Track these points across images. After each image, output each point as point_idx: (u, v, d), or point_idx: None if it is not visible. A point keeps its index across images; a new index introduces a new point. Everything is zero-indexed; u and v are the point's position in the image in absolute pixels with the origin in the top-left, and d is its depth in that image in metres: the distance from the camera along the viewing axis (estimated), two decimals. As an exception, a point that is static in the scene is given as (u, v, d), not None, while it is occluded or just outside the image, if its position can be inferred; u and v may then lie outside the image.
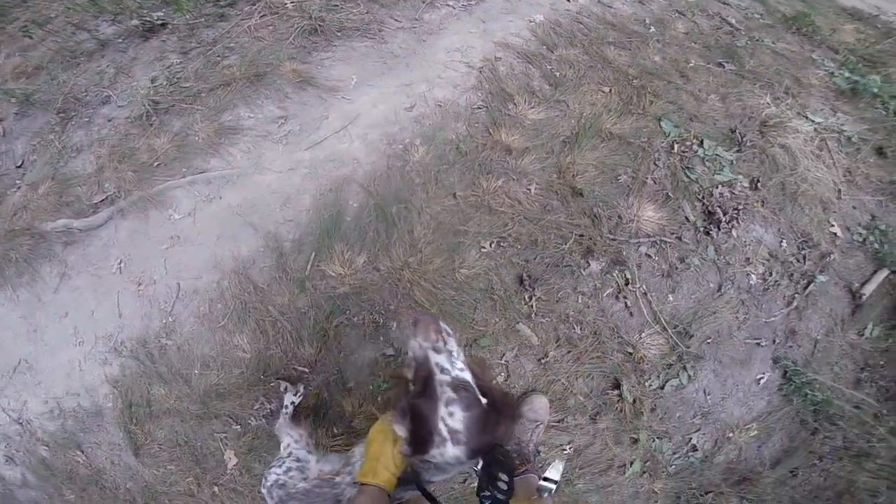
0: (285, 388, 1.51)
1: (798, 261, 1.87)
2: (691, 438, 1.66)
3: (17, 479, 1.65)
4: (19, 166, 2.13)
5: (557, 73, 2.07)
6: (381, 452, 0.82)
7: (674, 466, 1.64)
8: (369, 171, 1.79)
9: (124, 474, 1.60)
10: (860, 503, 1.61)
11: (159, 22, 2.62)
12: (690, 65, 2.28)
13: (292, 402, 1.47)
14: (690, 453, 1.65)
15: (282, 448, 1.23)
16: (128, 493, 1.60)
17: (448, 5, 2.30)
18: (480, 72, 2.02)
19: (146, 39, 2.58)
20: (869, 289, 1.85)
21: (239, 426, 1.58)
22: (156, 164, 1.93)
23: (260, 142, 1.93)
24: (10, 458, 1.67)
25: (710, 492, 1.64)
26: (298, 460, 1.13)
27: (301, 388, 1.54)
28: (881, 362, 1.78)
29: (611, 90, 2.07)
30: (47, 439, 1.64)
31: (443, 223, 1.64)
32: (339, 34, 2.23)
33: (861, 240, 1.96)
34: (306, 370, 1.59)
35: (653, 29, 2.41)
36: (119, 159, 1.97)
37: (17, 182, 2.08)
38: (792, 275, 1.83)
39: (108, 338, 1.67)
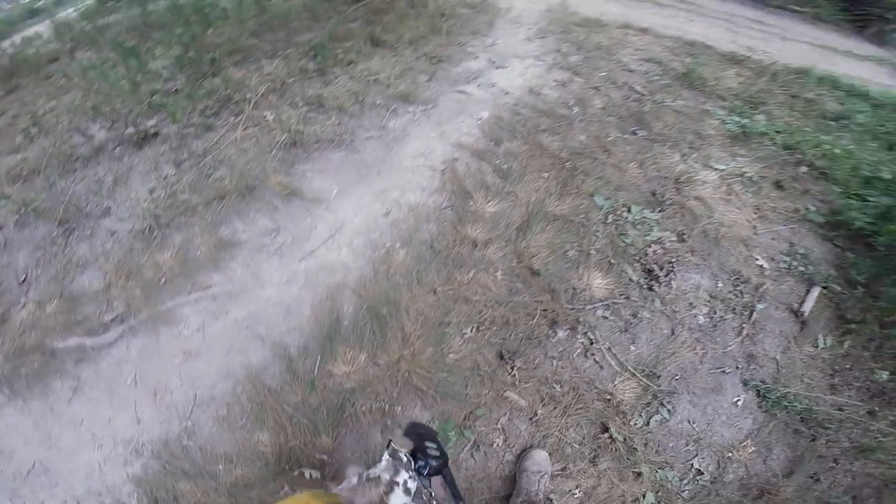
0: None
1: (736, 296, 2.00)
2: (693, 464, 1.70)
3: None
4: (23, 282, 2.15)
5: (505, 166, 2.38)
6: None
7: (686, 492, 1.67)
8: (358, 277, 1.99)
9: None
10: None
11: (152, 131, 2.76)
12: (609, 138, 2.64)
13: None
14: (697, 477, 1.69)
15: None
16: None
17: (408, 112, 2.59)
18: (443, 173, 2.30)
19: (140, 148, 2.71)
20: (808, 306, 1.93)
21: None
22: (162, 280, 2.06)
23: (257, 255, 2.12)
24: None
25: None
26: None
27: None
28: (847, 366, 1.86)
29: (549, 175, 2.40)
30: None
31: (428, 317, 1.86)
32: (315, 146, 2.47)
33: (787, 266, 2.07)
34: (325, 457, 1.76)
35: (576, 109, 2.78)
36: (126, 276, 2.08)
37: (23, 299, 2.10)
38: (734, 308, 1.95)
39: (128, 441, 1.75)
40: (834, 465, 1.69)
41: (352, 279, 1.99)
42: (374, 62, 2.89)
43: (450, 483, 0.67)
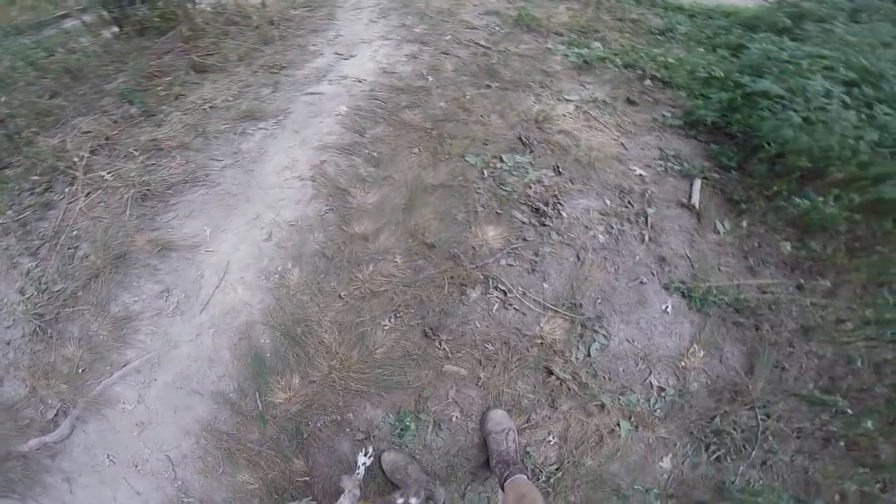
0: (364, 451, 1.73)
1: (626, 207, 2.05)
2: (651, 382, 1.70)
3: None
4: None
5: (375, 154, 2.41)
6: None
7: (658, 410, 1.67)
8: (262, 309, 2.01)
9: None
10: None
11: None
12: (467, 97, 2.73)
13: (364, 463, 1.69)
14: (662, 394, 1.69)
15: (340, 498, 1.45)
16: None
17: (259, 129, 2.49)
18: (313, 180, 2.29)
19: None
20: (696, 198, 2.01)
21: None
22: (80, 370, 1.98)
23: (158, 320, 2.06)
24: None
25: (714, 416, 1.66)
26: None
27: (371, 450, 1.73)
28: (755, 244, 1.89)
29: (419, 149, 2.47)
30: None
31: (343, 323, 1.94)
32: (170, 192, 2.34)
33: (663, 169, 2.14)
34: (307, 478, 1.83)
35: (430, 78, 2.82)
36: (44, 376, 1.99)
37: None
38: (629, 219, 2.00)
39: None
40: (791, 349, 1.67)
41: (257, 313, 2.01)
42: (205, 89, 2.70)
43: None
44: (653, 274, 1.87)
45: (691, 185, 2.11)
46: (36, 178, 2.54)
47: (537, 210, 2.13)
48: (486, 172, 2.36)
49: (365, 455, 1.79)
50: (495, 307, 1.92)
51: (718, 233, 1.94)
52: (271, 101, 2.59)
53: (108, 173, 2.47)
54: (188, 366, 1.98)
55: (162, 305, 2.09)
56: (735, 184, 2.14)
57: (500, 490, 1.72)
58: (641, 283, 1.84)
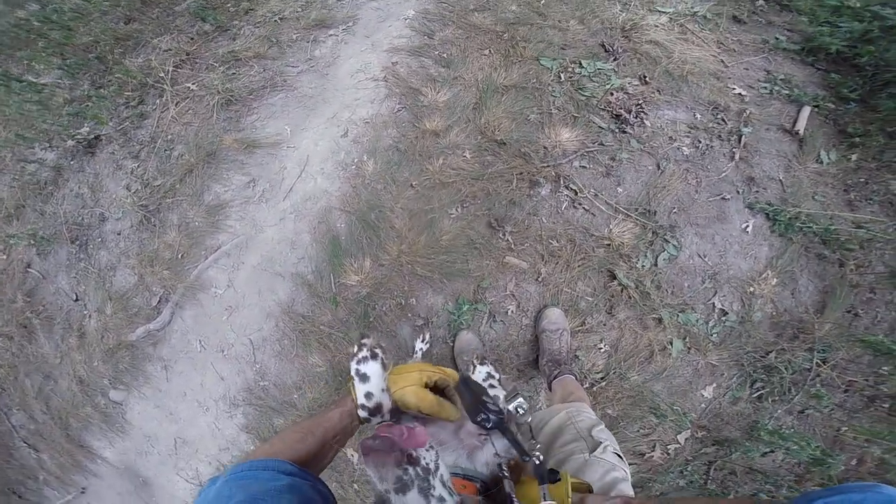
0: (421, 338, 1.81)
1: (718, 124, 1.86)
2: (714, 303, 1.62)
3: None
4: (77, 300, 2.39)
5: (445, 55, 2.35)
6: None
7: (715, 335, 1.59)
8: (340, 196, 2.09)
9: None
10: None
11: (92, 136, 2.76)
12: (542, 1, 2.57)
13: (420, 349, 1.79)
14: (723, 318, 1.61)
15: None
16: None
17: (331, 35, 2.50)
18: (385, 80, 2.29)
19: (93, 154, 2.74)
20: (802, 125, 1.80)
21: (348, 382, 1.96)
22: (180, 256, 2.20)
23: (246, 207, 2.21)
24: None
25: (770, 352, 1.57)
26: None
27: (427, 336, 1.82)
28: (861, 180, 1.68)
29: (490, 51, 2.37)
30: None
31: (413, 210, 1.98)
32: (251, 97, 2.43)
33: (768, 91, 1.90)
34: None
35: (501, -20, 2.67)
36: (150, 263, 2.23)
37: (85, 312, 2.35)
38: (720, 135, 1.83)
39: (223, 398, 2.02)
40: (871, 295, 1.51)
41: (334, 200, 2.09)
42: (272, 2, 2.72)
43: (511, 440, 0.61)
44: (738, 192, 1.72)
45: (798, 111, 1.88)
46: (129, 93, 2.75)
47: (618, 117, 2.00)
48: (562, 76, 2.23)
49: (422, 341, 1.84)
50: (564, 205, 1.87)
51: (821, 162, 1.74)
52: (339, 9, 2.58)
53: (193, 84, 2.61)
54: (272, 248, 2.11)
55: (249, 194, 2.22)
56: (852, 116, 1.89)
57: (546, 389, 1.72)
58: (723, 198, 1.70)
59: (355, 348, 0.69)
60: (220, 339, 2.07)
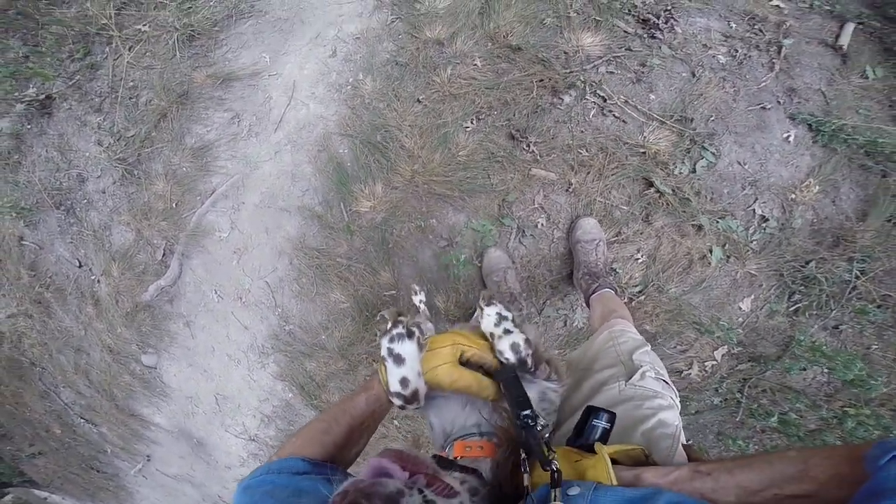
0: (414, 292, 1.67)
1: (755, 34, 1.69)
2: (755, 209, 1.53)
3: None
4: (81, 266, 2.16)
5: (438, -46, 2.00)
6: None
7: (755, 242, 1.52)
8: (338, 120, 1.79)
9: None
10: None
11: (42, 96, 2.37)
12: None
13: (421, 301, 1.65)
14: (763, 225, 1.52)
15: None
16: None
17: (303, -58, 2.08)
18: (373, -13, 1.94)
19: (49, 115, 2.36)
20: (845, 40, 1.67)
21: (377, 362, 1.84)
22: (174, 205, 1.92)
23: (235, 144, 1.90)
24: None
25: (809, 261, 1.50)
26: None
27: (418, 288, 1.70)
28: None
29: (491, -52, 2.03)
30: (275, 442, 1.91)
31: (423, 126, 1.71)
32: (216, 28, 2.02)
33: (807, 6, 1.73)
34: (393, 291, 1.79)
35: None
36: (144, 217, 1.96)
37: (93, 277, 2.13)
38: (758, 46, 1.67)
39: (251, 347, 1.85)
40: None
41: (333, 125, 1.80)
42: None
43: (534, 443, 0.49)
44: (779, 102, 1.58)
45: (841, 27, 1.73)
46: (71, 46, 2.32)
47: (646, 21, 1.76)
48: (578, -24, 1.92)
49: (416, 294, 1.67)
50: (592, 113, 1.64)
51: (866, 77, 1.61)
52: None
53: (144, 25, 2.17)
54: (272, 184, 1.85)
55: (235, 130, 1.91)
56: (901, 37, 1.68)
57: (583, 305, 1.59)
58: (764, 108, 1.57)
59: (388, 324, 0.59)
60: (235, 286, 1.86)
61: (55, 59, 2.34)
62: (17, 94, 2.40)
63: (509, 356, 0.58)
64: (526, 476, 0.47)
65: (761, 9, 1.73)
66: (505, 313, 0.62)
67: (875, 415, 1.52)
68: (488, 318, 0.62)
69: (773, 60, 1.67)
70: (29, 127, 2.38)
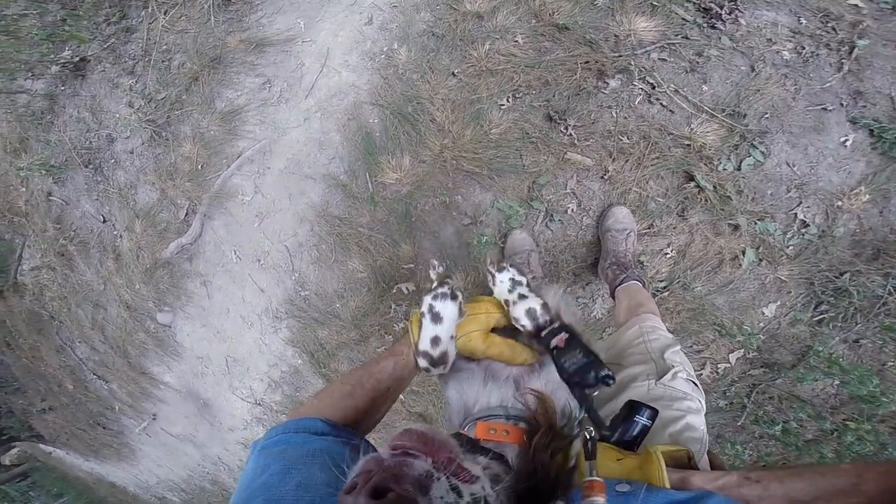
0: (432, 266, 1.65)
1: (827, 32, 1.59)
2: (796, 214, 1.46)
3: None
4: (105, 221, 2.20)
5: (481, -76, 1.95)
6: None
7: (791, 248, 1.45)
8: (370, 89, 1.76)
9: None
10: None
11: (77, 58, 2.39)
12: None
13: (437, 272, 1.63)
14: (803, 230, 1.45)
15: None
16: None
17: None
18: (413, -44, 1.90)
19: (84, 77, 2.38)
20: None
21: (389, 335, 1.79)
22: (200, 167, 1.91)
23: (264, 109, 1.89)
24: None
25: (844, 272, 1.43)
26: None
27: (436, 263, 1.66)
28: None
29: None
30: (280, 408, 1.90)
31: (456, 101, 1.66)
32: None
33: (889, 7, 1.62)
34: (412, 264, 1.77)
35: None
36: (169, 178, 1.96)
37: (115, 233, 2.16)
38: (828, 44, 1.57)
39: (265, 311, 1.83)
40: None
41: (364, 94, 1.77)
42: None
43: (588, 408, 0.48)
44: (841, 105, 1.50)
45: None
46: (107, 10, 2.35)
47: (707, 10, 1.66)
48: (637, -41, 1.84)
49: (434, 269, 1.62)
50: (637, 100, 1.57)
51: None
52: None
53: None
54: (299, 150, 1.82)
55: (266, 96, 1.89)
56: None
57: (605, 295, 1.55)
58: (824, 109, 1.48)
59: (434, 283, 0.59)
60: (254, 248, 1.85)
61: (91, 22, 2.36)
62: (52, 56, 2.44)
63: (525, 323, 0.55)
64: (588, 464, 0.43)
65: (837, 7, 1.62)
66: (518, 278, 0.59)
67: (874, 431, 1.49)
68: (501, 284, 0.59)
69: (843, 60, 1.56)
70: (63, 88, 2.41)
